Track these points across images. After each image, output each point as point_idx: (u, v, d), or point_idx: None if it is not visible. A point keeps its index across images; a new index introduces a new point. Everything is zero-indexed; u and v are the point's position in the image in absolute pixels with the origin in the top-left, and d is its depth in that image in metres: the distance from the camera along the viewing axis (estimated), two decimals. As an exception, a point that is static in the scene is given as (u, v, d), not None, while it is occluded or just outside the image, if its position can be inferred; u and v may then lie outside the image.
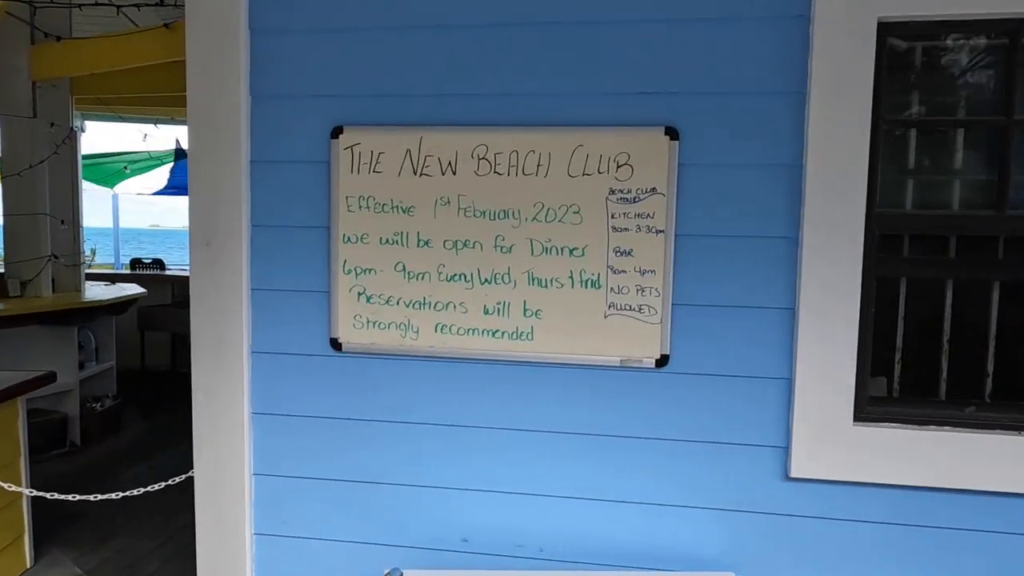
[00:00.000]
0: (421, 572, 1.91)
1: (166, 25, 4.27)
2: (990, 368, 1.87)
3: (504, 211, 1.91)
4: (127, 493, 2.42)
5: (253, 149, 2.01)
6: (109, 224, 11.59)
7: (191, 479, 2.11)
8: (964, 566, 1.83)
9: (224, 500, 2.09)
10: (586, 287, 1.89)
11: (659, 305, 1.87)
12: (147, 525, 3.64)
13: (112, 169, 8.88)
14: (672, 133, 1.82)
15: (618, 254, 1.87)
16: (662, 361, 1.88)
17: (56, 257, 5.06)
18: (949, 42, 1.83)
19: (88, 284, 5.61)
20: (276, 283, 2.03)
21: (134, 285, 6.13)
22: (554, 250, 1.90)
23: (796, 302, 1.82)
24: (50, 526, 3.54)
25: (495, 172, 1.90)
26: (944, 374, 1.89)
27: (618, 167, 1.86)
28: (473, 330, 1.95)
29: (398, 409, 2.02)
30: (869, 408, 1.85)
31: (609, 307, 1.89)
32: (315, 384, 2.04)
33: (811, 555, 1.88)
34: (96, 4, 4.49)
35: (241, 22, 1.96)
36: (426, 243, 1.95)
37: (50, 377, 3.19)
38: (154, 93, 5.85)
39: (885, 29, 1.76)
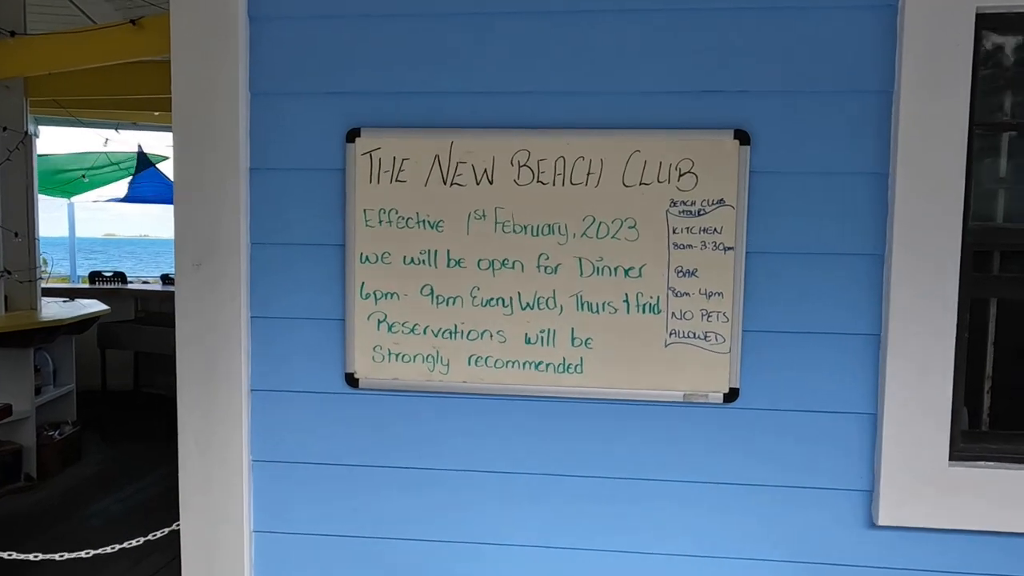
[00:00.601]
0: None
1: (132, 22, 3.95)
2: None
3: (549, 226, 1.68)
4: (99, 551, 2.10)
5: (253, 155, 1.75)
6: (64, 234, 11.00)
7: (176, 532, 1.83)
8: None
9: (218, 561, 1.82)
10: (643, 312, 1.67)
11: (727, 332, 1.65)
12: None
13: (69, 178, 8.39)
14: (742, 137, 1.62)
15: (680, 274, 1.66)
16: (731, 395, 1.66)
17: (9, 273, 4.68)
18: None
19: (45, 301, 5.23)
20: (280, 310, 1.77)
21: (95, 301, 5.77)
22: (606, 270, 1.67)
23: (883, 328, 1.62)
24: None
25: (538, 181, 1.67)
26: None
27: (680, 175, 1.64)
28: (513, 362, 1.71)
29: (425, 455, 1.76)
30: (963, 445, 1.65)
31: (670, 335, 1.67)
32: (327, 427, 1.78)
33: (899, 612, 1.68)
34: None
35: (239, 7, 1.70)
36: (458, 263, 1.71)
37: (5, 411, 2.84)
38: (117, 95, 5.51)
39: (983, 21, 1.57)
